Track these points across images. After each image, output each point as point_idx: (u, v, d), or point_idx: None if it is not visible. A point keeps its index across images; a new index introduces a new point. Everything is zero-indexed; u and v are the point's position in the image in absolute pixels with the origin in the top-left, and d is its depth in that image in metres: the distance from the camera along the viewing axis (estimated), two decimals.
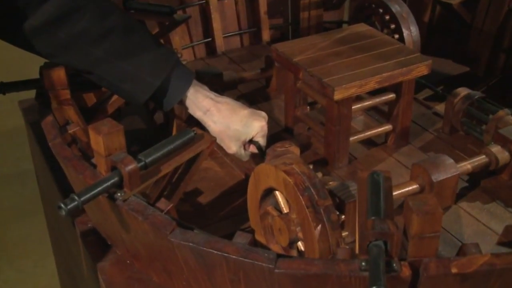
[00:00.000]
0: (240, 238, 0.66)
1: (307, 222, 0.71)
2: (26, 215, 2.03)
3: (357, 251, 0.66)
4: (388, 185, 0.68)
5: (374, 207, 0.63)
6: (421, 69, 0.98)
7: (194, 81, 0.87)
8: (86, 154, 0.82)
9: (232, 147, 0.89)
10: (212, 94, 0.88)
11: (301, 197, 0.71)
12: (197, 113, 0.88)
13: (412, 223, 0.59)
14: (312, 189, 0.72)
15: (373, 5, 1.24)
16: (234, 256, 0.63)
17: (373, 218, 0.61)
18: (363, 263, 0.60)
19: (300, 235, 0.76)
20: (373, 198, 0.65)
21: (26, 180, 2.11)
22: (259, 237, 0.82)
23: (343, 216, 0.78)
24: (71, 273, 1.13)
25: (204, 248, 0.64)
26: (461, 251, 0.65)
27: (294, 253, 0.78)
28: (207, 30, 1.43)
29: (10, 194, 2.16)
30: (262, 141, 0.91)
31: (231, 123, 0.87)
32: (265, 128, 0.90)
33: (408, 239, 0.61)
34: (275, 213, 0.79)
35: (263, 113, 0.91)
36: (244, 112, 0.88)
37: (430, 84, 1.23)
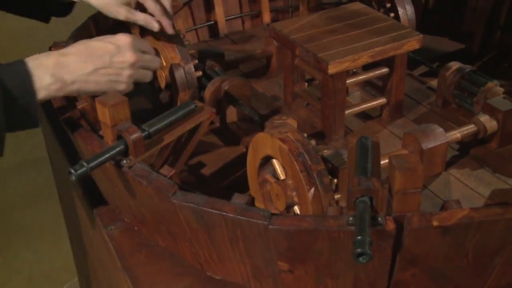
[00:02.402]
0: (238, 199, 0.70)
1: (301, 186, 0.75)
2: (41, 200, 2.07)
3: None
4: (376, 148, 0.72)
5: (361, 167, 0.67)
6: (413, 43, 1.02)
7: None
8: (94, 127, 0.87)
9: (121, 12, 0.92)
10: None
11: (295, 162, 0.75)
12: None
13: (395, 179, 0.63)
14: (305, 154, 0.76)
15: None
16: (231, 215, 0.67)
17: (359, 176, 0.66)
18: (351, 218, 0.64)
19: (296, 199, 0.80)
20: (361, 159, 0.69)
21: (40, 167, 2.14)
22: (259, 204, 0.87)
23: (335, 180, 0.82)
24: (84, 250, 1.18)
25: (204, 208, 0.68)
26: (444, 207, 0.69)
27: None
28: (210, 14, 1.47)
29: (26, 180, 2.21)
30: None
31: None
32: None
33: (392, 195, 0.65)
34: (272, 180, 0.83)
35: None
36: None
37: (424, 60, 1.26)
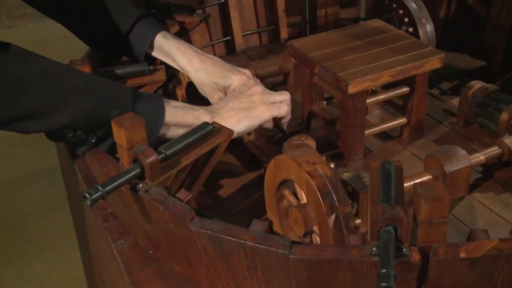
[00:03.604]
0: (256, 226, 0.68)
1: (325, 227, 0.72)
2: (53, 210, 2.09)
3: (369, 238, 0.68)
4: (399, 174, 0.70)
5: (385, 194, 0.65)
6: (434, 62, 0.99)
7: None
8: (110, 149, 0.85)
9: (214, 97, 0.96)
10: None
11: (322, 203, 0.71)
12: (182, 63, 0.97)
13: (420, 209, 0.61)
14: (333, 195, 0.71)
15: (389, 2, 1.25)
16: (250, 243, 0.65)
17: (383, 204, 0.63)
18: (374, 249, 0.61)
19: (315, 229, 0.77)
20: (384, 185, 0.66)
21: (53, 177, 2.16)
22: (277, 229, 0.84)
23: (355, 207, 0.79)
24: (95, 261, 1.16)
25: (222, 236, 0.66)
26: (470, 237, 0.66)
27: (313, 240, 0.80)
28: (226, 29, 1.45)
29: (39, 190, 2.22)
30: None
31: (211, 74, 0.95)
32: (244, 81, 0.95)
33: (417, 225, 0.63)
34: (291, 198, 0.80)
35: (247, 71, 0.98)
36: (226, 66, 0.97)
37: (435, 81, 1.23)
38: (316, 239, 0.79)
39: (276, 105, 0.94)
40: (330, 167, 0.73)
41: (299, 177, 0.74)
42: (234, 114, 0.90)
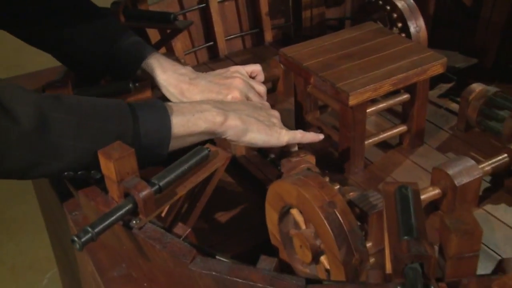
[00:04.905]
0: (265, 263, 0.62)
1: (336, 261, 0.65)
2: (24, 195, 2.10)
3: (387, 270, 0.62)
4: (417, 200, 0.64)
5: (406, 226, 0.59)
6: (437, 68, 0.94)
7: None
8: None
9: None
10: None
11: (338, 251, 0.64)
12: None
13: (450, 243, 0.55)
14: (349, 239, 0.64)
15: (378, 0, 1.19)
16: (260, 285, 0.59)
17: (406, 238, 0.57)
18: (399, 287, 0.56)
19: (323, 259, 0.71)
20: (403, 215, 0.60)
21: None
22: (282, 255, 0.78)
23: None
24: (63, 245, 1.15)
25: (228, 277, 0.60)
26: (500, 267, 0.60)
27: (320, 269, 0.74)
28: (209, 34, 1.38)
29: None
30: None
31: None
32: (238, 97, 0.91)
33: (445, 259, 0.57)
34: (298, 220, 0.74)
35: (237, 80, 0.93)
36: (213, 89, 0.92)
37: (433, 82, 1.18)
38: (323, 265, 0.73)
39: (292, 134, 0.86)
40: (345, 203, 0.66)
41: (309, 211, 0.67)
42: (255, 121, 0.82)
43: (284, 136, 0.85)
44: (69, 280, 1.35)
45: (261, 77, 1.00)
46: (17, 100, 0.65)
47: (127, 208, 0.64)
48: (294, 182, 0.68)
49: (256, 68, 0.99)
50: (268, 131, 0.83)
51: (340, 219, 0.64)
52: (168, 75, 0.94)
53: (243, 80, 0.93)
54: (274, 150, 0.92)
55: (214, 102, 0.83)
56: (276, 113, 0.88)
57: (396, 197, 0.63)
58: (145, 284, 0.78)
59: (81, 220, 0.82)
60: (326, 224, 0.63)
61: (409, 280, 0.54)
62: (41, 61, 1.04)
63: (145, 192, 0.65)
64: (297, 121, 1.07)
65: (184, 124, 0.76)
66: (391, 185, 0.66)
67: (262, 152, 0.94)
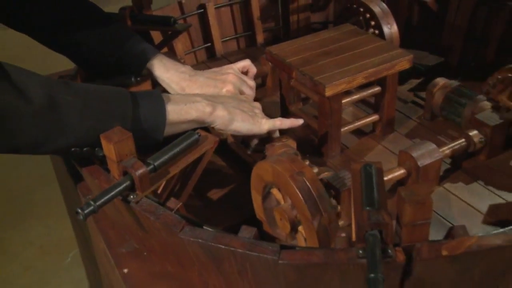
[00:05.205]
0: (245, 232, 0.62)
1: (310, 229, 0.66)
2: (50, 182, 2.10)
3: (353, 238, 0.62)
4: (380, 176, 0.64)
5: (369, 199, 0.59)
6: (403, 63, 0.94)
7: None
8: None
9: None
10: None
11: (307, 210, 0.64)
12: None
13: (405, 212, 0.56)
14: (317, 200, 0.65)
15: (356, 6, 1.19)
16: (240, 250, 0.59)
17: (368, 209, 0.58)
18: (360, 251, 0.56)
19: (301, 229, 0.72)
20: (367, 189, 0.61)
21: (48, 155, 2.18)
22: (266, 227, 0.78)
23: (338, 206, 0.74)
24: (80, 226, 1.17)
25: (212, 244, 0.60)
26: (450, 234, 0.61)
27: (299, 240, 0.74)
28: (207, 36, 1.38)
29: (37, 166, 2.23)
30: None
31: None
32: (231, 92, 0.93)
33: (401, 226, 0.58)
34: (278, 197, 0.74)
35: (231, 76, 0.95)
36: (210, 84, 0.93)
37: (404, 77, 1.18)
38: (302, 235, 0.73)
39: (272, 122, 0.88)
40: (313, 172, 0.67)
41: (283, 183, 0.68)
42: (239, 112, 0.84)
43: (265, 124, 0.86)
44: (87, 256, 1.36)
45: (253, 69, 1.01)
46: (30, 82, 0.66)
47: (125, 184, 0.65)
48: (270, 161, 0.69)
49: (246, 63, 1.01)
50: (251, 120, 0.84)
51: (309, 185, 0.64)
52: (171, 74, 0.94)
53: (236, 75, 0.95)
54: (257, 137, 0.93)
55: (205, 95, 0.84)
56: (258, 104, 0.89)
57: (361, 174, 0.64)
58: (144, 253, 0.79)
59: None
60: (297, 191, 0.64)
61: (369, 244, 0.55)
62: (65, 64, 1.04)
63: (141, 170, 0.65)
64: (282, 112, 1.07)
65: (178, 112, 0.76)
66: (358, 164, 0.66)
67: (245, 143, 0.94)
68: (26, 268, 1.90)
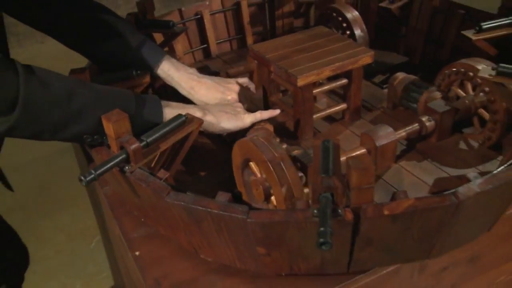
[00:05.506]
0: (221, 197, 0.65)
1: (279, 195, 0.69)
2: (76, 174, 2.08)
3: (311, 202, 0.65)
4: (336, 149, 0.67)
5: (324, 167, 0.62)
6: (366, 59, 0.96)
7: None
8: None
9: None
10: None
11: (276, 177, 0.68)
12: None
13: (352, 178, 0.58)
14: (284, 168, 0.69)
15: (332, 13, 1.22)
16: (215, 211, 0.62)
17: (323, 175, 0.61)
18: (315, 211, 0.59)
19: (273, 198, 0.75)
20: (323, 160, 0.64)
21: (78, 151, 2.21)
22: (245, 198, 0.81)
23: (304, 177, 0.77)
24: (101, 214, 1.17)
25: (192, 206, 0.63)
26: (393, 198, 0.64)
27: (271, 205, 0.77)
28: (203, 38, 1.41)
29: (64, 163, 2.29)
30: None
31: (207, 97, 0.95)
32: (234, 100, 0.95)
33: (350, 190, 0.61)
34: (254, 171, 0.77)
35: (234, 86, 0.97)
36: (219, 89, 0.95)
37: (372, 73, 1.20)
38: (273, 203, 0.76)
39: (253, 116, 0.91)
40: (281, 146, 0.70)
41: (256, 156, 0.71)
42: (224, 114, 0.88)
43: (247, 119, 0.89)
44: (107, 241, 1.37)
45: (252, 85, 1.04)
46: (51, 78, 0.70)
47: (121, 157, 0.68)
48: (247, 139, 0.72)
49: (245, 80, 1.04)
50: (235, 118, 0.88)
51: (275, 154, 0.67)
52: (181, 73, 0.97)
53: (240, 87, 0.99)
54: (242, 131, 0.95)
55: (197, 106, 0.88)
56: (239, 104, 0.93)
57: (320, 148, 0.67)
58: (142, 219, 0.82)
59: (111, 194, 0.85)
60: (267, 162, 0.67)
61: (321, 204, 0.58)
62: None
63: (135, 145, 0.68)
64: (264, 102, 1.10)
65: (172, 114, 0.80)
66: (319, 140, 0.69)
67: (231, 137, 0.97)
68: (57, 252, 1.94)
